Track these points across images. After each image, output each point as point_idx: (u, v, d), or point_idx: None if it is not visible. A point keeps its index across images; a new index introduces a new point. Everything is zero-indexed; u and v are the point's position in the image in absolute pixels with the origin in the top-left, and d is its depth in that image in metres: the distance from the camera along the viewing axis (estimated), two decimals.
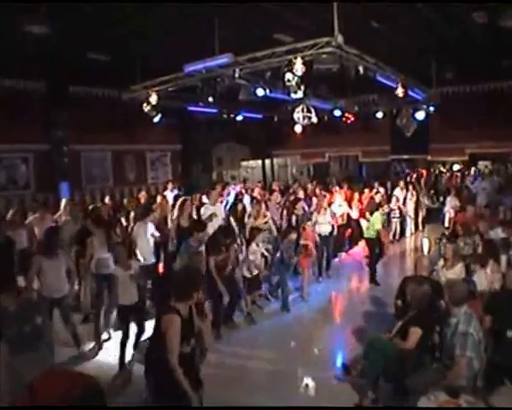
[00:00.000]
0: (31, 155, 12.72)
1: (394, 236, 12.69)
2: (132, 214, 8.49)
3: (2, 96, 11.33)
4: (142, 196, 10.68)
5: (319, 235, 8.96)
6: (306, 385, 5.07)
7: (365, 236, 9.40)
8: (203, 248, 6.57)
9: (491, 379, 3.99)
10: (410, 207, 13.24)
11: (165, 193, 11.67)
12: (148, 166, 16.27)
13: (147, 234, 7.28)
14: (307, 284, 8.21)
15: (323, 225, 9.17)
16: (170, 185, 12.71)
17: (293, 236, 7.63)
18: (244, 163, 20.48)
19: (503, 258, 6.08)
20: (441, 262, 6.10)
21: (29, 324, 4.39)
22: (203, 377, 3.90)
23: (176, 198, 9.44)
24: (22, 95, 11.73)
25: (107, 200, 10.77)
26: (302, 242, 8.07)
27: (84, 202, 12.10)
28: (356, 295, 8.76)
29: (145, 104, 11.58)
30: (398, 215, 12.54)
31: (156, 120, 12.22)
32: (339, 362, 5.61)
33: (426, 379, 3.97)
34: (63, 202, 9.03)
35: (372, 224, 9.07)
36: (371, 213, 9.33)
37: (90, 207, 9.14)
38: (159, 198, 9.98)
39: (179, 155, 17.08)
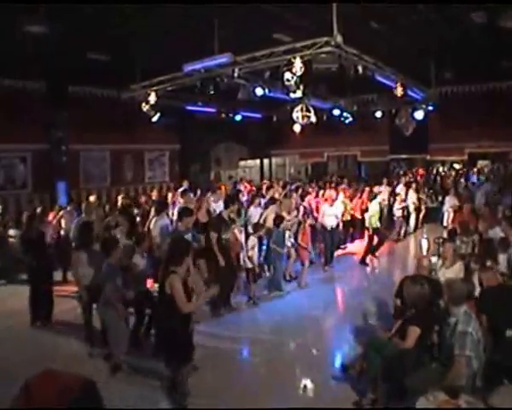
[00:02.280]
0: (29, 154, 12.71)
1: (399, 234, 12.70)
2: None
3: (3, 96, 11.33)
4: (154, 194, 11.57)
5: (325, 228, 9.57)
6: (305, 386, 5.07)
7: (366, 225, 10.38)
8: (189, 235, 6.71)
9: (491, 379, 3.98)
10: (411, 204, 13.28)
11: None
12: (146, 165, 16.26)
13: (164, 228, 7.42)
14: (305, 274, 8.72)
15: (330, 217, 9.63)
16: (185, 183, 12.76)
17: (283, 224, 8.03)
18: (242, 163, 20.47)
19: (502, 257, 6.09)
20: (440, 261, 6.11)
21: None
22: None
23: (182, 194, 9.56)
24: (22, 95, 11.75)
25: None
26: (299, 238, 8.58)
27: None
28: (356, 295, 8.75)
29: (144, 104, 11.59)
30: (401, 214, 12.56)
31: (155, 119, 12.23)
32: (337, 362, 5.61)
33: (425, 379, 3.97)
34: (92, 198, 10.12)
35: (371, 214, 10.02)
36: (371, 200, 10.39)
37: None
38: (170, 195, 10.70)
39: (178, 154, 17.07)
